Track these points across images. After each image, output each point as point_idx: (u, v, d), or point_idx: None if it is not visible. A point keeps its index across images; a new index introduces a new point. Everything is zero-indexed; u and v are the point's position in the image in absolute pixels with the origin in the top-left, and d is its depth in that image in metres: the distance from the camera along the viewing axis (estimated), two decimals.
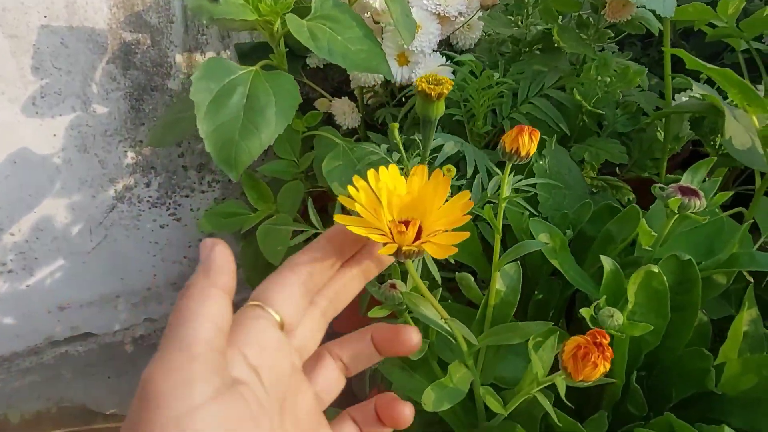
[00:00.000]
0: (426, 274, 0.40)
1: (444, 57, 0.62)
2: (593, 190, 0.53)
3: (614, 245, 0.40)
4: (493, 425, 0.38)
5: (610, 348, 0.25)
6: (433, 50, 0.63)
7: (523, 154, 0.32)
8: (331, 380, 0.29)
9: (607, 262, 0.36)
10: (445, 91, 0.35)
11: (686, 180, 0.37)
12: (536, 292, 0.45)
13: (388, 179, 0.28)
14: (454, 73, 0.59)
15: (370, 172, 0.28)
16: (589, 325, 0.34)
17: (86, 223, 0.80)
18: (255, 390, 0.23)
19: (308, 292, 0.27)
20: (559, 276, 0.46)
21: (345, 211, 0.29)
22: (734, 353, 0.38)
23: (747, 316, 0.40)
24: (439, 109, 0.36)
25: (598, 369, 0.25)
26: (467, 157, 0.49)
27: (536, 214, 0.42)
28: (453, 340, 0.34)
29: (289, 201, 0.61)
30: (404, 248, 0.27)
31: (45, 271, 0.81)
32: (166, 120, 0.67)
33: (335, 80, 0.84)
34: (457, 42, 0.68)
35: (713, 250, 0.38)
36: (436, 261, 0.46)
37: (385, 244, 0.26)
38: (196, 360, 0.21)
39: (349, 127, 0.72)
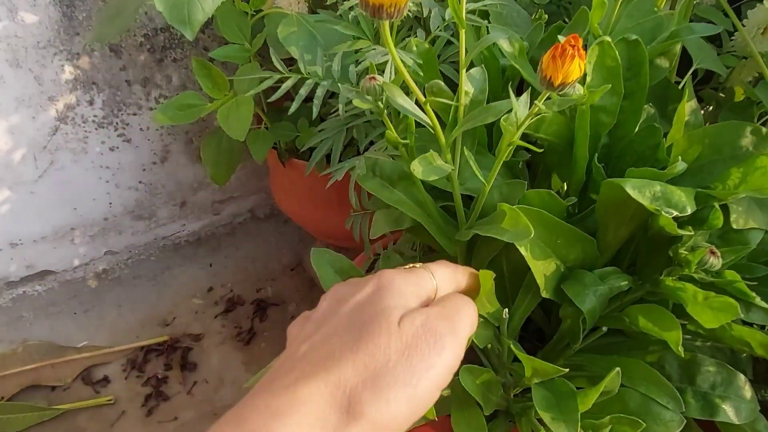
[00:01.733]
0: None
1: None
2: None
3: None
4: (473, 223, 0.40)
5: (583, 50, 0.27)
6: None
7: None
8: None
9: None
10: None
11: None
12: None
13: None
14: None
15: None
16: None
17: (29, 148, 0.76)
18: None
19: None
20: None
21: None
22: (680, 134, 0.42)
23: (688, 107, 0.44)
24: None
25: (575, 65, 0.27)
26: (422, 1, 0.50)
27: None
28: (431, 130, 0.36)
29: (247, 81, 0.60)
30: (384, 4, 0.28)
31: None
32: (106, 14, 0.63)
33: None
34: None
35: (655, 40, 0.42)
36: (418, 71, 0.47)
37: None
38: None
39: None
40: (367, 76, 0.35)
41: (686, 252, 0.36)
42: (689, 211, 0.32)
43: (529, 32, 0.47)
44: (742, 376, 0.39)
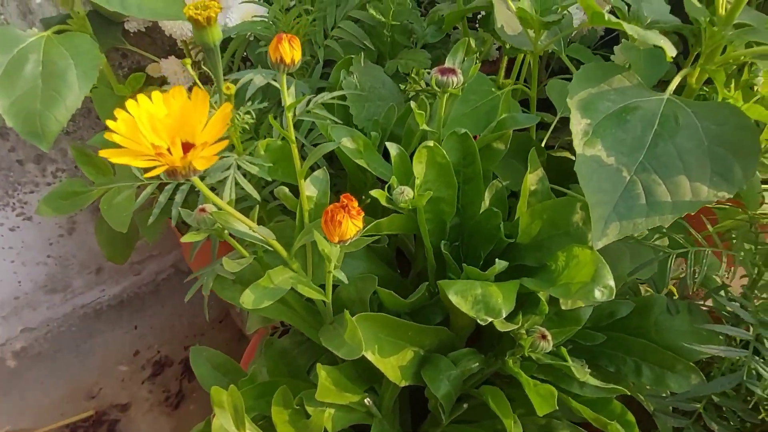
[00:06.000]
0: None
1: None
2: (410, 96, 0.57)
3: (414, 136, 0.45)
4: (331, 317, 0.42)
5: (358, 208, 0.29)
6: None
7: (288, 61, 0.34)
8: None
9: (392, 148, 0.40)
10: (213, 14, 0.36)
11: (449, 62, 0.42)
12: (363, 197, 0.49)
13: (149, 105, 0.30)
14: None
15: (129, 101, 0.29)
16: (385, 204, 0.38)
17: None
18: None
19: None
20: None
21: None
22: (524, 208, 0.44)
23: (533, 177, 0.46)
24: (215, 35, 0.38)
25: (346, 226, 0.28)
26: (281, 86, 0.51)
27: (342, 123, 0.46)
28: (270, 248, 0.37)
29: (128, 168, 0.60)
30: (177, 168, 0.29)
31: None
32: None
33: (166, 43, 0.81)
34: None
35: (492, 122, 0.44)
36: (258, 181, 0.48)
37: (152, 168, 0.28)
38: None
39: (185, 86, 0.71)
40: (198, 208, 0.36)
41: (523, 334, 0.38)
42: (504, 315, 0.34)
43: (384, 113, 0.49)
44: None
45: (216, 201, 0.33)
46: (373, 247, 0.47)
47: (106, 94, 0.62)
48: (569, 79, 0.59)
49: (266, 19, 0.59)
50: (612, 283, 0.32)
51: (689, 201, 0.34)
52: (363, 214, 0.29)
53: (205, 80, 0.73)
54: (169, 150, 0.29)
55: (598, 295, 0.32)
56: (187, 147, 0.30)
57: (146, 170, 0.29)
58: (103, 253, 0.68)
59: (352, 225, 0.29)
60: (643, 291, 0.49)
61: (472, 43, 0.65)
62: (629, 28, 0.36)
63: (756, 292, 0.40)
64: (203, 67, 0.69)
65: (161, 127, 0.29)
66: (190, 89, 0.73)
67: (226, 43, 0.65)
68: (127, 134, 0.28)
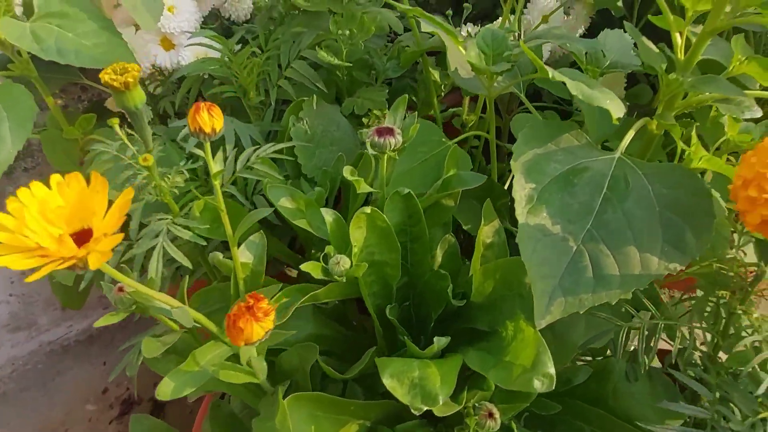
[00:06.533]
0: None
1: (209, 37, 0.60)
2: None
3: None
4: (269, 388, 0.39)
5: (266, 308, 0.26)
6: (198, 29, 0.61)
7: (208, 131, 0.32)
8: None
9: (327, 214, 0.37)
10: (131, 79, 0.34)
11: (389, 120, 0.39)
12: (313, 251, 0.46)
13: (44, 193, 0.27)
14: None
15: (22, 190, 0.27)
16: (322, 276, 0.36)
17: None
18: None
19: None
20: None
21: None
22: (478, 264, 0.42)
23: (488, 229, 0.44)
24: (136, 98, 0.35)
25: (250, 331, 0.26)
26: (226, 134, 0.48)
27: (286, 177, 0.43)
28: (197, 324, 0.35)
29: None
30: (75, 262, 0.27)
31: None
32: None
33: None
34: (230, 16, 0.67)
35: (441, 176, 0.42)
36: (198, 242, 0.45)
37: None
38: None
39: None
40: (116, 287, 0.34)
41: (470, 409, 0.36)
42: (441, 402, 0.32)
43: (333, 163, 0.47)
44: None
45: (130, 284, 0.31)
46: (321, 307, 0.45)
47: (54, 136, 0.60)
48: (541, 108, 0.56)
49: (219, 58, 0.56)
50: (552, 371, 0.30)
51: (638, 274, 0.32)
52: (272, 313, 0.27)
53: (163, 117, 0.71)
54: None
55: (538, 385, 0.30)
56: (86, 234, 0.28)
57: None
58: (57, 299, 0.66)
59: (258, 328, 0.26)
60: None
61: (436, 76, 0.63)
62: (573, 87, 0.34)
63: (719, 356, 0.38)
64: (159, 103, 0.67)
65: (55, 217, 0.27)
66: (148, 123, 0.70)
67: (180, 81, 0.63)
68: (14, 228, 0.26)
